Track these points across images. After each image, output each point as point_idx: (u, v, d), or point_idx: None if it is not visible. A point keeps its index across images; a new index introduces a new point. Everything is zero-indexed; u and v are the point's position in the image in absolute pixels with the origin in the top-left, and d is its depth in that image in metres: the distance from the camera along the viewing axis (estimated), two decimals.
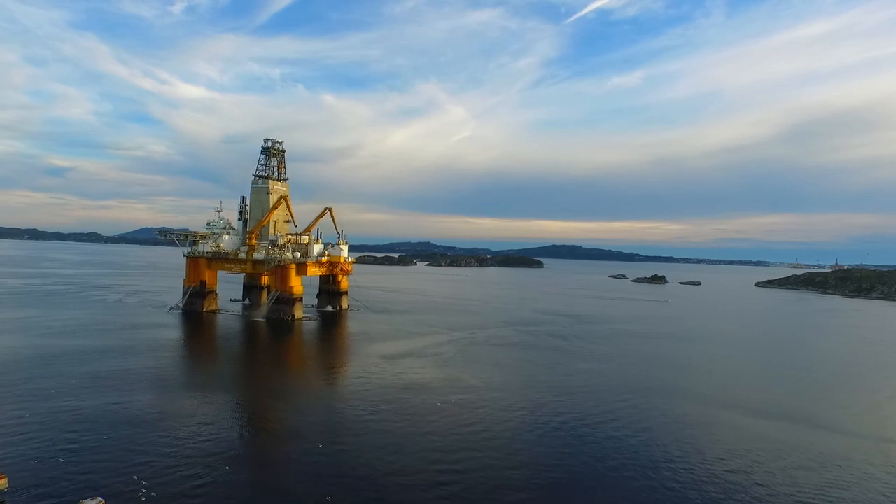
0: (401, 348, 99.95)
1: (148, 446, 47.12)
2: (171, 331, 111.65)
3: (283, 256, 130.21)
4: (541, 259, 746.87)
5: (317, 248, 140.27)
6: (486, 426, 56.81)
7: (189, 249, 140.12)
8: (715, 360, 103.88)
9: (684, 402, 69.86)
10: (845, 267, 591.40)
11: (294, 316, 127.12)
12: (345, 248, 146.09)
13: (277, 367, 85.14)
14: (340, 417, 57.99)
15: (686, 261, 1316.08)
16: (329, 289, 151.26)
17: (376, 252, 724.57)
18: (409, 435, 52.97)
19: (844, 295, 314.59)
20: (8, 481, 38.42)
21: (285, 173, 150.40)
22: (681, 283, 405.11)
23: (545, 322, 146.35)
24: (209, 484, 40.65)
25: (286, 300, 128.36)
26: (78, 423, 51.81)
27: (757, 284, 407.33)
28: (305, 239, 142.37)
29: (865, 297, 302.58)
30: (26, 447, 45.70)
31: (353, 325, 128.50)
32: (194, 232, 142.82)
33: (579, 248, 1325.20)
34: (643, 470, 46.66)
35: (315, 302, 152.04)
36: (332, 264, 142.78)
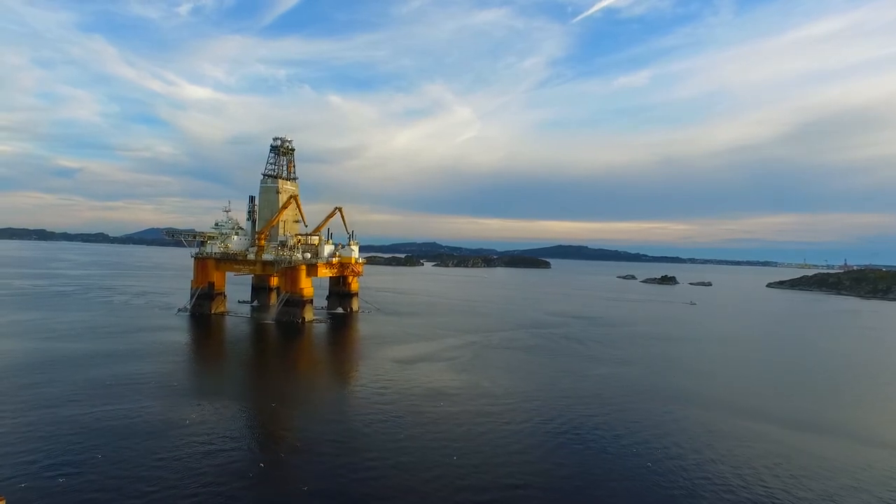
0: (415, 352, 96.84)
1: (154, 460, 44.17)
2: (179, 334, 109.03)
3: (294, 257, 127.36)
4: (547, 259, 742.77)
5: (327, 249, 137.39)
6: (515, 439, 53.42)
7: (197, 250, 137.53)
8: (743, 365, 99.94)
9: (718, 411, 66.24)
10: (854, 267, 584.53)
11: (304, 318, 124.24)
12: (356, 248, 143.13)
13: (289, 373, 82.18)
14: (357, 428, 54.77)
15: (692, 261, 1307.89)
16: (339, 290, 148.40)
17: (382, 252, 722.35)
18: (433, 450, 49.69)
19: (860, 296, 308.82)
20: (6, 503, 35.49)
21: (294, 172, 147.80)
22: (691, 283, 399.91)
23: (560, 324, 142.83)
24: None
25: (296, 302, 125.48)
26: (82, 436, 48.91)
27: (769, 285, 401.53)
28: (315, 239, 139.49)
29: (882, 298, 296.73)
30: (26, 463, 42.82)
31: (365, 327, 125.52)
32: (202, 232, 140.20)
33: (585, 248, 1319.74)
34: (695, 491, 43.27)
35: (325, 304, 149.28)
36: (343, 265, 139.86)
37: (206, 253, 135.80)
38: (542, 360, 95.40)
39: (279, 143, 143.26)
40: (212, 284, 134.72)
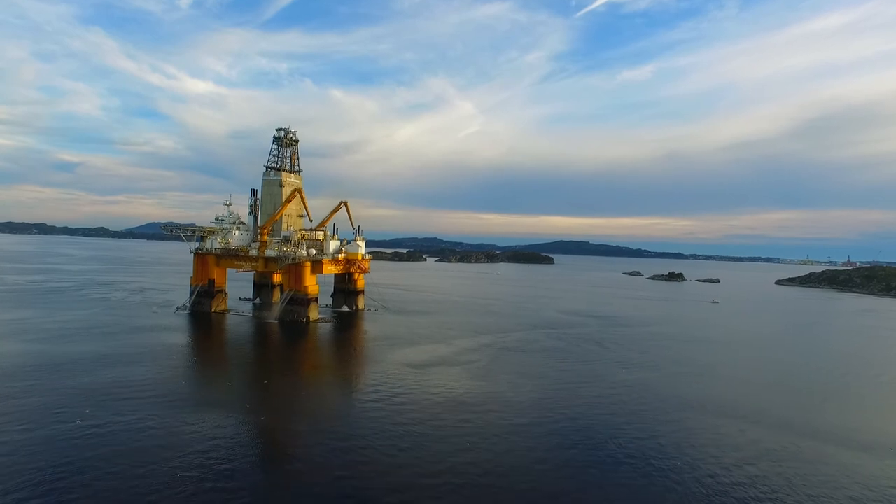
0: (428, 355, 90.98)
1: (146, 482, 38.26)
2: (178, 334, 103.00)
3: (298, 254, 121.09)
4: (550, 255, 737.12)
5: (333, 245, 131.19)
6: (558, 463, 47.54)
7: (196, 245, 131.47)
8: (788, 372, 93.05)
9: (757, 425, 60.34)
10: (857, 264, 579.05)
11: (309, 318, 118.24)
12: (362, 244, 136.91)
13: (294, 378, 76.23)
14: (370, 443, 48.73)
15: (695, 257, 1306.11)
16: (345, 288, 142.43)
17: (383, 248, 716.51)
18: (459, 472, 43.76)
19: (874, 294, 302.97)
20: None
21: (298, 165, 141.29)
22: (699, 280, 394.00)
23: (574, 324, 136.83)
24: None
25: (300, 301, 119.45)
26: (64, 455, 42.96)
27: (777, 282, 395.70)
28: (320, 235, 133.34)
29: (895, 296, 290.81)
30: (13, 481, 36.90)
31: (372, 327, 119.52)
32: (202, 227, 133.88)
33: (587, 243, 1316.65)
34: None
35: (329, 301, 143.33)
36: (349, 262, 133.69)
37: (207, 248, 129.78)
38: (565, 364, 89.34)
39: (282, 133, 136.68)
40: (212, 281, 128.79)
